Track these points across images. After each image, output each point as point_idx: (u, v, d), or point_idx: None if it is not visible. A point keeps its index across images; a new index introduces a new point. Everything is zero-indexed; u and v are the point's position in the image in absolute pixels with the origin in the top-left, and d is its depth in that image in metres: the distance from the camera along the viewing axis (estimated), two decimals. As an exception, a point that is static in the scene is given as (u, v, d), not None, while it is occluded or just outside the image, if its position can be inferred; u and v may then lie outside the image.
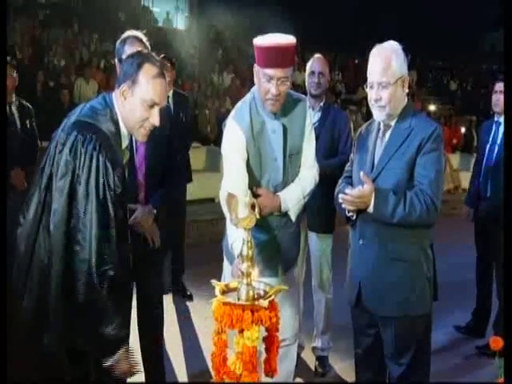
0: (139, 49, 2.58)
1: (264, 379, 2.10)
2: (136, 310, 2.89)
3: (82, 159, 1.92)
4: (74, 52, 11.58)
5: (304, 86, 3.73)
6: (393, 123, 2.46)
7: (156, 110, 2.07)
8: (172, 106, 4.44)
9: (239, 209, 1.97)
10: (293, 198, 2.61)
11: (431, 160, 2.36)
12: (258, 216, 1.96)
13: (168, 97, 4.47)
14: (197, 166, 7.61)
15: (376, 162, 2.46)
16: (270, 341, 1.97)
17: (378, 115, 2.44)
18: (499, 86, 4.02)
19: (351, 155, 2.70)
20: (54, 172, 1.94)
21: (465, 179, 10.83)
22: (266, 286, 1.97)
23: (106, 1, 13.58)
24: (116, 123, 2.06)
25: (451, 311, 4.50)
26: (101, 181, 1.93)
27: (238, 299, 1.88)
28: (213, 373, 1.93)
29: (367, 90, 2.42)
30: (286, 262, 2.69)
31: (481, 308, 4.33)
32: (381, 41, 2.45)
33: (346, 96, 14.87)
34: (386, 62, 2.36)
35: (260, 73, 2.47)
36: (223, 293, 1.93)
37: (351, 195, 2.37)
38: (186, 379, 3.51)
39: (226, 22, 12.67)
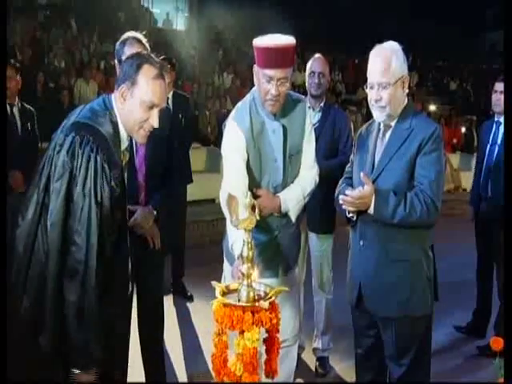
0: (139, 50, 2.58)
1: (264, 380, 2.10)
2: (136, 310, 2.89)
3: (80, 160, 1.93)
4: (74, 53, 11.59)
5: (304, 86, 3.73)
6: (393, 124, 2.46)
7: (155, 112, 2.06)
8: (172, 107, 4.44)
9: (239, 210, 1.97)
10: (293, 199, 2.61)
11: (431, 160, 2.36)
12: (258, 217, 1.96)
13: (168, 98, 4.47)
14: (197, 167, 7.61)
15: (376, 162, 2.46)
16: (271, 342, 1.97)
17: (378, 116, 2.44)
18: (499, 86, 4.02)
19: (351, 156, 2.70)
20: (52, 173, 1.95)
21: (465, 179, 10.85)
22: (267, 288, 1.97)
23: (105, 2, 13.59)
24: (115, 125, 2.06)
25: (451, 311, 4.50)
26: (98, 182, 1.93)
27: (239, 300, 1.88)
28: (213, 374, 1.93)
29: (367, 90, 2.42)
30: (286, 263, 2.69)
31: (481, 308, 4.32)
32: (381, 41, 2.45)
33: (346, 96, 14.87)
34: (386, 63, 2.36)
35: (260, 73, 2.47)
36: (223, 294, 1.93)
37: (351, 196, 2.37)
38: (185, 380, 3.51)
39: (226, 23, 12.68)
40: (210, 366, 1.97)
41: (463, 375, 3.66)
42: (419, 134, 2.38)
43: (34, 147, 4.42)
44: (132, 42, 2.78)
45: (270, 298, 1.89)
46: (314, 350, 3.76)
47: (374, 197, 2.34)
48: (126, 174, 2.17)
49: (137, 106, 2.04)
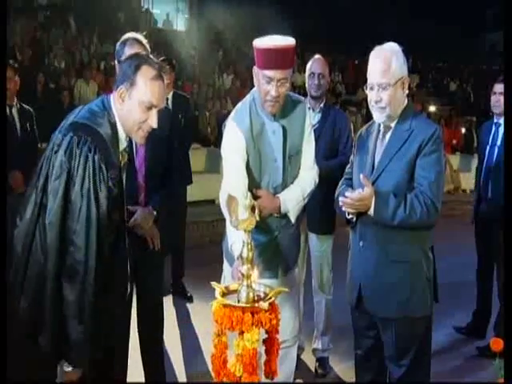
0: (139, 51, 2.58)
1: (264, 381, 2.10)
2: (136, 311, 2.89)
3: (77, 160, 1.93)
4: (74, 53, 11.59)
5: (304, 87, 3.73)
6: (393, 125, 2.45)
7: (154, 112, 2.06)
8: (172, 108, 4.43)
9: (239, 211, 1.97)
10: (292, 199, 2.61)
11: (431, 161, 2.36)
12: (257, 218, 1.96)
13: (168, 98, 4.47)
14: (197, 168, 7.61)
15: (376, 163, 2.46)
16: (270, 343, 1.97)
17: (378, 117, 2.44)
18: (498, 88, 4.02)
19: (351, 157, 2.70)
20: (50, 173, 1.95)
21: (465, 180, 10.85)
22: (266, 288, 1.97)
23: (105, 2, 13.59)
24: (113, 125, 2.06)
25: (451, 312, 4.49)
26: (95, 182, 1.93)
27: (238, 301, 1.88)
28: (213, 374, 1.93)
29: (367, 91, 2.42)
30: (285, 264, 2.69)
31: (481, 309, 4.32)
32: (381, 42, 2.45)
33: (346, 97, 14.87)
34: (386, 64, 2.36)
35: (259, 74, 2.47)
36: (223, 295, 1.93)
37: (351, 198, 2.37)
38: (185, 380, 3.51)
39: (226, 23, 12.67)
40: (210, 367, 1.97)
41: (463, 376, 3.66)
42: (419, 135, 2.38)
43: (33, 148, 4.42)
44: (132, 43, 2.78)
45: (270, 298, 1.89)
46: (314, 350, 3.75)
47: (373, 199, 2.33)
48: (124, 175, 2.17)
49: (135, 106, 2.04)
